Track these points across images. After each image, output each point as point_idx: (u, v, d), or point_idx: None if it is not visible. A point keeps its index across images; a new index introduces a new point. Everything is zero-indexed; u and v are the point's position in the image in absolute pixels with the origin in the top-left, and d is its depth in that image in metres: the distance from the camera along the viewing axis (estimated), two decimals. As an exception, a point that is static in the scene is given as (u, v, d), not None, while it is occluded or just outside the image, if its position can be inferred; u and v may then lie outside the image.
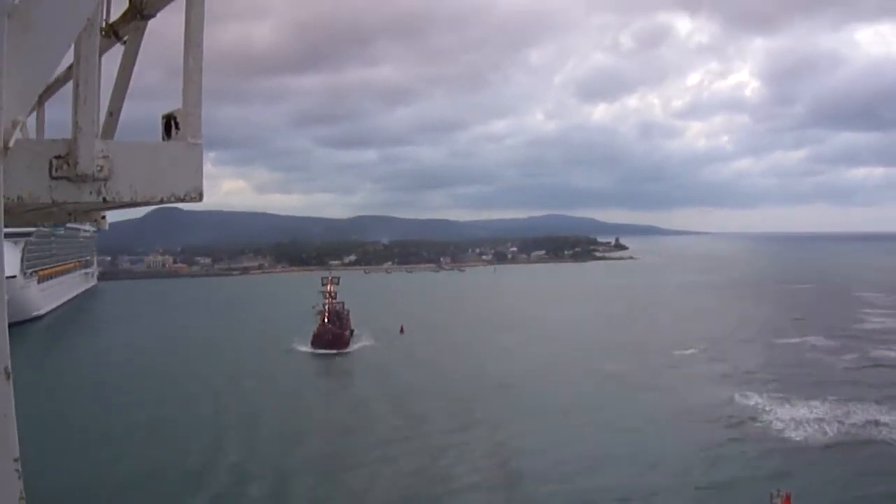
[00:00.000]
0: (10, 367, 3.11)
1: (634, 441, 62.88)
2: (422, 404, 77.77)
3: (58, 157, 4.09)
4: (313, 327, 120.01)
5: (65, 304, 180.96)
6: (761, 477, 51.46)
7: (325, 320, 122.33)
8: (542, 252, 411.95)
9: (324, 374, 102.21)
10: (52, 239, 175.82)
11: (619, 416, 70.85)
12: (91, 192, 4.18)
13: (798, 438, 62.51)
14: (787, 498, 41.59)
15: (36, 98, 3.80)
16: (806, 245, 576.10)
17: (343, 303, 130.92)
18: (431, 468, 58.40)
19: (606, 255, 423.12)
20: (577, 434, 65.24)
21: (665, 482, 53.16)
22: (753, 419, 69.16)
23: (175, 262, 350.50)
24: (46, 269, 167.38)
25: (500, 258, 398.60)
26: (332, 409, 78.87)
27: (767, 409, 72.06)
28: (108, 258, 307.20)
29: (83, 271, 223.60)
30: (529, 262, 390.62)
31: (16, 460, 3.15)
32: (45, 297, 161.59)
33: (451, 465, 59.10)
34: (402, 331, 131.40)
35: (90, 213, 7.95)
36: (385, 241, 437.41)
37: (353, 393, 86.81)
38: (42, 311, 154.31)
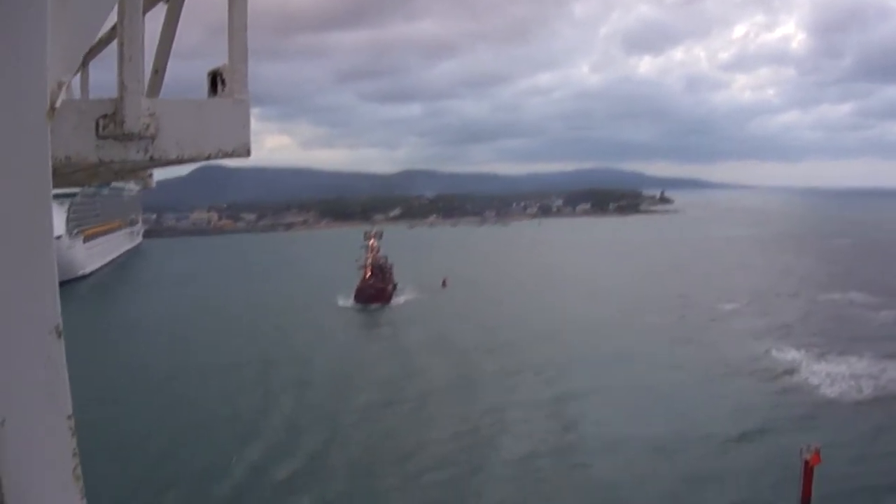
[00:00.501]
0: (61, 325, 3.23)
1: (670, 392, 64.07)
2: (464, 355, 79.25)
3: (104, 117, 4.14)
4: (356, 282, 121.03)
5: (110, 262, 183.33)
6: (793, 431, 52.07)
7: (368, 275, 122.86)
8: (587, 205, 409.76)
9: (366, 328, 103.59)
10: (97, 198, 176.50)
11: (657, 368, 72.02)
12: (138, 151, 4.23)
13: (832, 394, 62.82)
14: (817, 453, 42.03)
15: (80, 59, 3.83)
16: (852, 200, 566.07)
17: (386, 257, 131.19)
18: (479, 412, 60.37)
19: (651, 208, 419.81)
20: (615, 385, 66.32)
21: (698, 432, 54.00)
22: (789, 374, 69.60)
23: (220, 218, 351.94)
24: (92, 228, 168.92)
25: (545, 211, 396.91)
26: (373, 360, 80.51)
27: (804, 363, 72.28)
28: (154, 216, 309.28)
29: (128, 230, 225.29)
30: (574, 215, 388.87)
31: (69, 417, 3.29)
32: (91, 256, 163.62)
33: (498, 409, 61.00)
34: (444, 284, 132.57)
35: (137, 171, 8.08)
36: (430, 195, 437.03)
37: (394, 345, 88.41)
38: (88, 270, 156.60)
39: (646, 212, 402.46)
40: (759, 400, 61.66)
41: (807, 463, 41.55)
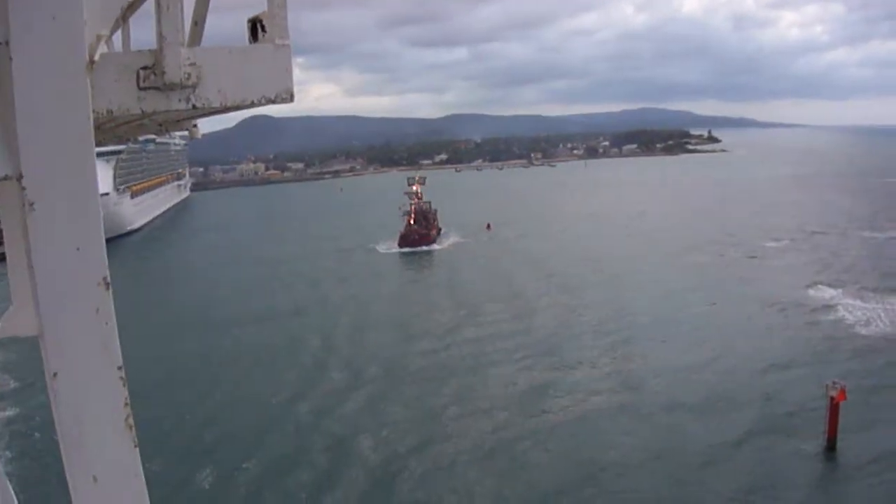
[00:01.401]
0: (108, 277, 3.33)
1: (711, 326, 65.09)
2: (500, 297, 79.86)
3: (144, 68, 4.08)
4: (400, 228, 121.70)
5: (159, 216, 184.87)
6: (822, 367, 52.10)
7: (412, 221, 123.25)
8: (634, 146, 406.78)
9: (406, 270, 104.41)
10: (143, 154, 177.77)
11: (699, 304, 73.00)
12: (180, 100, 4.17)
13: (866, 333, 61.96)
14: (842, 391, 42.12)
15: (119, 12, 3.91)
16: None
17: (430, 202, 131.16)
18: (527, 348, 61.54)
19: (699, 148, 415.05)
20: (658, 320, 67.52)
21: (729, 366, 54.75)
22: (826, 311, 68.99)
23: (267, 169, 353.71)
24: (139, 184, 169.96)
25: (592, 153, 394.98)
26: (408, 298, 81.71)
27: (842, 302, 71.45)
28: (201, 169, 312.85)
29: (176, 183, 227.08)
30: (621, 155, 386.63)
31: (119, 368, 3.41)
32: (139, 211, 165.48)
33: (549, 342, 62.85)
34: (488, 227, 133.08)
35: (181, 122, 7.90)
36: (477, 138, 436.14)
37: (428, 286, 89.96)
38: (136, 226, 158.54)
39: (693, 151, 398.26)
40: (792, 336, 61.70)
41: (832, 400, 41.70)
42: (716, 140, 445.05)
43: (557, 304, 75.92)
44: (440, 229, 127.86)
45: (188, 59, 4.12)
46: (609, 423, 46.22)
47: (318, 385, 55.60)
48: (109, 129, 6.41)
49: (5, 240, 3.58)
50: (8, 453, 43.59)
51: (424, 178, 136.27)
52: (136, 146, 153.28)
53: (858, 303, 70.69)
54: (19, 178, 3.22)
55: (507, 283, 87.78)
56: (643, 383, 52.47)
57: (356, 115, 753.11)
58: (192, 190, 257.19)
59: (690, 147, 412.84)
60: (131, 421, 3.45)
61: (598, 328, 66.50)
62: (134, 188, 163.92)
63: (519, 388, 53.42)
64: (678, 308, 71.66)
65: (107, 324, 3.31)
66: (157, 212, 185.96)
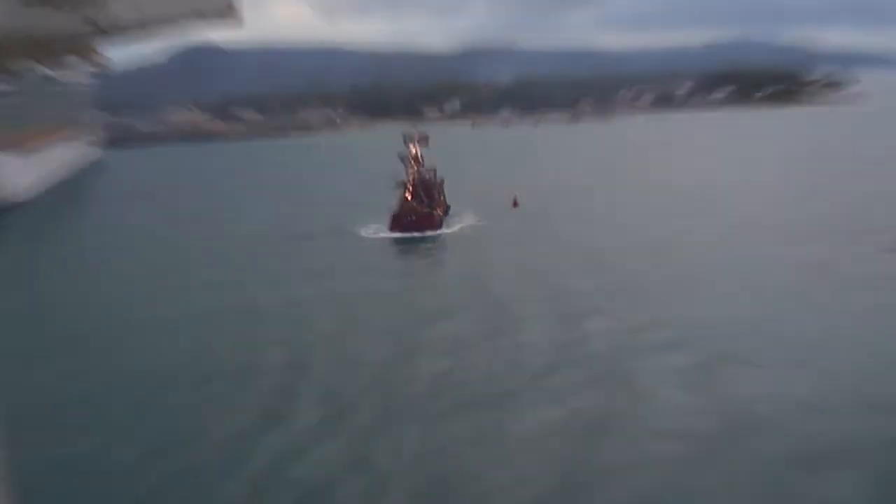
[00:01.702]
0: None
1: (822, 345, 64.33)
2: (541, 297, 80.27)
3: None
4: (393, 205, 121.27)
5: (55, 185, 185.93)
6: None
7: (410, 196, 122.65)
8: (724, 93, 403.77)
9: (401, 266, 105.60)
10: (31, 97, 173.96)
11: (806, 313, 72.57)
12: (79, 18, 3.98)
13: None
14: None
15: None
16: None
17: (434, 170, 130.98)
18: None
19: (820, 96, 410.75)
20: (761, 333, 67.03)
21: (846, 399, 53.59)
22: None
23: (211, 119, 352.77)
24: (21, 136, 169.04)
25: (664, 101, 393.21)
26: (389, 303, 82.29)
27: None
28: (119, 119, 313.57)
29: (79, 138, 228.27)
30: (705, 107, 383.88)
31: None
32: (24, 176, 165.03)
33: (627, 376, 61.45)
34: (515, 204, 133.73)
35: (84, 48, 7.62)
36: (503, 80, 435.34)
37: (426, 283, 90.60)
38: (20, 196, 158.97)
39: (811, 102, 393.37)
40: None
41: None
42: (845, 84, 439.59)
43: (610, 310, 75.33)
44: (448, 206, 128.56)
45: None
46: (691, 479, 45.56)
47: (282, 417, 55.12)
48: None
49: None
50: None
51: (426, 137, 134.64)
52: (20, 85, 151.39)
53: None
54: None
55: (540, 281, 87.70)
56: (734, 424, 51.59)
57: (336, 47, 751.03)
58: (106, 147, 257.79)
59: (807, 96, 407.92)
60: (5, 469, 3.02)
61: (666, 347, 65.22)
62: (14, 142, 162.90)
63: (560, 427, 52.53)
64: (781, 321, 70.73)
65: None
66: (52, 177, 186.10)
